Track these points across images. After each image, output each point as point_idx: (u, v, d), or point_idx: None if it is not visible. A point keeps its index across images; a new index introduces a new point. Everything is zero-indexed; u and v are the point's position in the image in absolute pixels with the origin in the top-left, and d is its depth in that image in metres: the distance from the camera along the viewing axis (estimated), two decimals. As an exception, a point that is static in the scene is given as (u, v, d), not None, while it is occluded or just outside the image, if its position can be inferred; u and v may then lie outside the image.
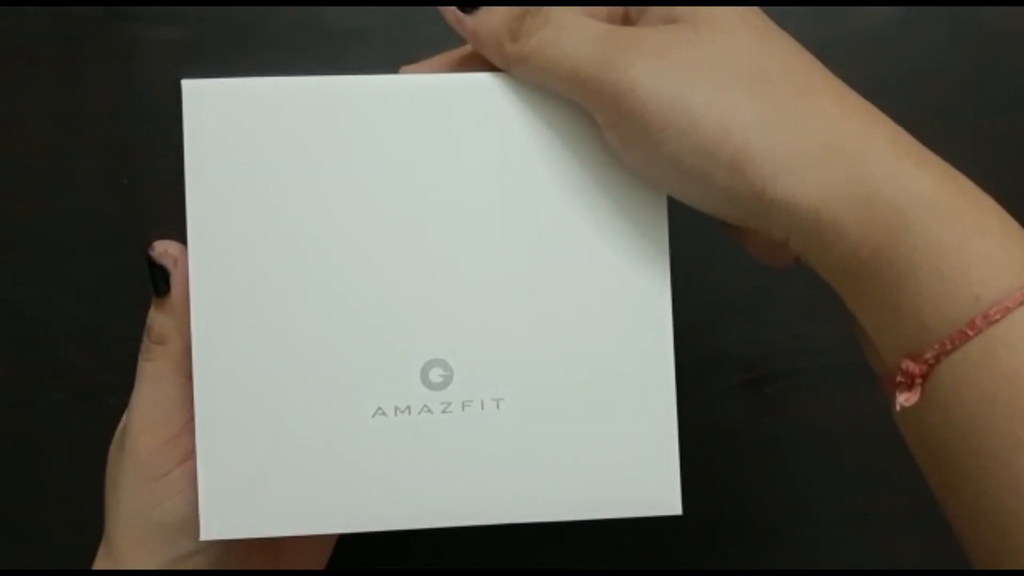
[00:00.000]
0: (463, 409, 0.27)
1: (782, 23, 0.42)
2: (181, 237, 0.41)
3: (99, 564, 0.32)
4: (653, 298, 0.28)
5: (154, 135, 0.41)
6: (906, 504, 0.43)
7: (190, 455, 0.30)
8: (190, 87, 0.28)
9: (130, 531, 0.31)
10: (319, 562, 0.36)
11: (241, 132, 0.27)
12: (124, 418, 0.32)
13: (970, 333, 0.25)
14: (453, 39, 0.41)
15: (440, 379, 0.27)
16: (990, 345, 0.25)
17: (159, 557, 0.30)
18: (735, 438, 0.43)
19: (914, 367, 0.26)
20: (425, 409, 0.27)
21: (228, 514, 0.28)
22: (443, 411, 0.27)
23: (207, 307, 0.28)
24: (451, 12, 0.29)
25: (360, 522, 0.27)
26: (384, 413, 0.27)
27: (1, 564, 0.42)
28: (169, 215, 0.41)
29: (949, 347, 0.25)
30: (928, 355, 0.25)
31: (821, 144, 0.26)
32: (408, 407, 0.27)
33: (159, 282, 0.30)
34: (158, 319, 0.31)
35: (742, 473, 0.43)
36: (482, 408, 0.27)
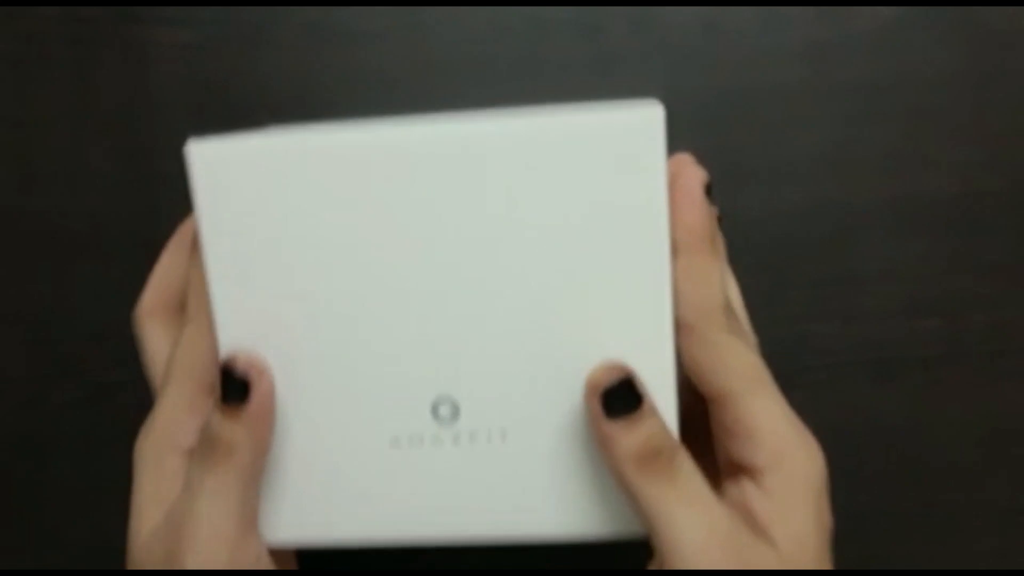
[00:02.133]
0: (471, 441, 0.29)
1: (782, 23, 0.42)
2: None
3: None
4: (653, 344, 0.29)
5: (165, 135, 0.42)
6: (907, 504, 0.43)
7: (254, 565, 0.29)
8: (196, 152, 0.28)
9: None
10: None
11: (247, 189, 0.28)
12: (152, 522, 0.30)
13: None
14: (459, 41, 0.41)
15: (448, 414, 0.29)
16: None
17: None
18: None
19: None
20: (436, 440, 0.29)
21: (273, 525, 0.31)
22: (452, 443, 0.29)
23: (237, 344, 0.29)
24: (595, 402, 0.28)
25: (382, 538, 0.30)
26: (399, 445, 0.30)
27: (12, 563, 0.42)
28: (181, 216, 0.41)
29: None
30: None
31: None
32: (421, 439, 0.29)
33: (235, 392, 0.28)
34: (227, 428, 0.28)
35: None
36: (488, 440, 0.29)
